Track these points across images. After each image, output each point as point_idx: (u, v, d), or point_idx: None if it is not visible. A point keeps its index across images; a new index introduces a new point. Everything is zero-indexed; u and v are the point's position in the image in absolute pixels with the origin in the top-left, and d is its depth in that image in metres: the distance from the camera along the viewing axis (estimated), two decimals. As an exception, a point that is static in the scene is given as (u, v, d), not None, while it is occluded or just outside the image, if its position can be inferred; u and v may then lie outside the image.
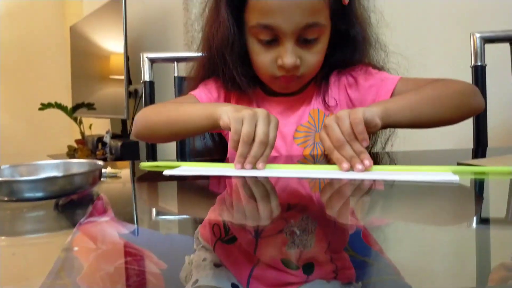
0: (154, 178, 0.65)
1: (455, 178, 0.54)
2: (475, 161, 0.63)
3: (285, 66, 0.78)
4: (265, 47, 0.79)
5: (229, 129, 0.64)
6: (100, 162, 0.51)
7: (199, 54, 0.91)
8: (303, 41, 0.78)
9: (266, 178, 0.60)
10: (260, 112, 0.62)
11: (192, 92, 0.89)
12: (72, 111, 3.39)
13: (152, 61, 1.13)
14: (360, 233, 0.38)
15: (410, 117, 0.71)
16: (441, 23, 1.41)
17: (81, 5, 3.92)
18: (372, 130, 0.65)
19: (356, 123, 0.60)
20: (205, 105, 0.75)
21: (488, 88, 1.04)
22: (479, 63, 1.04)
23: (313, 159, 0.79)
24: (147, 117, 0.82)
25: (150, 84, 1.12)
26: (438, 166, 0.60)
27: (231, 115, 0.64)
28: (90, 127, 3.56)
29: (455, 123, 0.78)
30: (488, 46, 1.05)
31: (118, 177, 0.61)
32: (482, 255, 0.34)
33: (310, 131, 0.89)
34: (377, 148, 0.92)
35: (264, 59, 0.80)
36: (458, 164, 0.63)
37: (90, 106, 3.15)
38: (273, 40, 0.78)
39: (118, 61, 2.69)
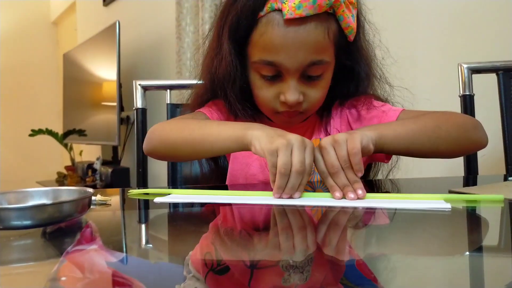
0: (145, 206, 0.64)
1: (447, 206, 0.54)
2: (466, 189, 0.64)
3: (287, 102, 0.76)
4: (267, 83, 0.77)
5: (260, 155, 0.63)
6: (90, 190, 0.50)
7: (195, 82, 0.90)
8: (306, 77, 0.76)
9: (260, 205, 0.59)
10: (294, 139, 0.61)
11: (202, 110, 0.87)
12: (63, 138, 3.37)
13: (145, 88, 1.13)
14: (354, 262, 0.38)
15: (404, 145, 0.71)
16: (429, 54, 1.44)
17: (75, 33, 3.96)
18: (363, 156, 0.64)
19: (354, 153, 0.60)
20: (233, 126, 0.70)
21: (476, 117, 1.05)
22: (467, 93, 1.06)
23: (312, 188, 0.78)
24: (165, 133, 0.77)
25: (143, 111, 1.12)
26: (430, 194, 0.60)
27: (264, 146, 0.61)
28: (80, 154, 3.54)
29: (454, 157, 0.78)
30: (475, 76, 1.07)
31: (108, 204, 0.60)
32: (476, 284, 0.34)
33: None
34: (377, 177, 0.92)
35: (267, 94, 0.78)
36: (450, 192, 0.63)
37: (81, 133, 3.15)
38: (276, 76, 0.76)
39: (110, 88, 2.71)
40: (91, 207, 0.58)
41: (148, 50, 2.81)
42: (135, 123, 1.12)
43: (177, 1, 2.30)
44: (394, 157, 0.86)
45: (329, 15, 0.73)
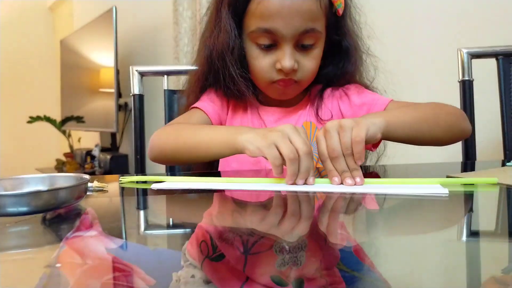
0: (142, 192, 0.64)
1: (444, 191, 0.54)
2: (464, 175, 0.63)
3: (283, 68, 0.80)
4: (264, 52, 0.82)
5: (257, 155, 0.63)
6: (86, 176, 0.50)
7: (193, 68, 0.92)
8: (300, 46, 0.81)
9: (257, 191, 0.59)
10: (286, 128, 0.61)
11: (197, 105, 0.89)
12: (61, 124, 3.36)
13: (142, 74, 1.12)
14: (351, 248, 0.38)
15: (408, 133, 0.73)
16: (429, 39, 1.43)
17: (71, 19, 3.92)
18: (371, 143, 0.66)
19: (357, 141, 0.60)
20: (223, 131, 0.72)
21: (476, 103, 1.05)
22: (466, 78, 1.05)
23: None
24: (163, 142, 0.81)
25: (140, 98, 1.11)
26: (427, 179, 0.60)
27: (259, 144, 0.62)
28: (79, 141, 3.53)
29: (446, 144, 0.80)
30: (475, 61, 1.06)
31: (105, 191, 0.60)
32: (472, 268, 0.34)
33: None
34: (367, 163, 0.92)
35: (263, 63, 0.82)
36: (448, 177, 0.63)
37: (79, 119, 3.14)
38: (272, 45, 0.80)
39: (108, 75, 2.69)
40: (88, 193, 0.58)
41: (146, 35, 2.78)
42: (132, 110, 1.11)
43: (174, -14, 2.28)
44: (381, 145, 0.87)
45: None
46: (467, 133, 0.83)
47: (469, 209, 0.53)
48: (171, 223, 0.50)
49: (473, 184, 0.59)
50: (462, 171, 0.83)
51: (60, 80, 3.53)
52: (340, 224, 0.45)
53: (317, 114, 0.90)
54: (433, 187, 0.57)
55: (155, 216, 0.53)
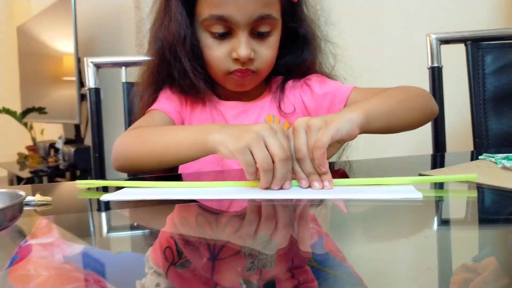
0: (92, 205, 0.58)
1: (418, 195, 0.51)
2: (437, 171, 0.61)
3: (240, 57, 0.76)
4: (218, 41, 0.78)
5: (230, 158, 0.59)
6: (22, 192, 0.44)
7: (148, 58, 0.86)
8: (256, 34, 0.78)
9: (219, 198, 0.55)
10: (262, 128, 0.56)
11: (156, 107, 0.84)
12: (22, 116, 3.21)
13: (98, 66, 1.05)
14: (322, 241, 0.38)
15: (386, 122, 0.70)
16: (396, 23, 1.40)
17: (29, 4, 3.73)
18: (347, 141, 0.63)
19: (316, 147, 0.56)
20: (192, 132, 0.67)
21: (445, 90, 1.03)
22: (435, 65, 1.03)
23: None
24: (128, 149, 0.75)
25: (96, 92, 1.04)
26: (399, 178, 0.57)
27: (232, 147, 0.57)
28: (42, 133, 3.39)
29: (418, 127, 0.79)
30: (444, 47, 1.04)
31: (49, 205, 0.54)
32: (443, 258, 0.35)
33: None
34: (332, 159, 0.89)
35: (218, 52, 0.78)
36: (420, 175, 0.60)
37: (41, 111, 3.00)
38: (226, 33, 0.77)
39: (69, 63, 2.57)
40: (29, 208, 0.52)
41: (107, 21, 2.66)
42: (88, 104, 1.04)
43: (135, -31, 2.18)
44: None
45: None
46: (435, 113, 0.83)
47: (442, 217, 0.50)
48: (133, 229, 0.47)
49: (444, 186, 0.57)
50: (432, 165, 0.81)
51: (18, 69, 3.36)
52: (311, 218, 0.44)
53: (279, 107, 0.86)
54: (406, 189, 0.54)
55: (114, 229, 0.48)
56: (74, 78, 2.43)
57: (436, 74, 1.03)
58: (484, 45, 1.03)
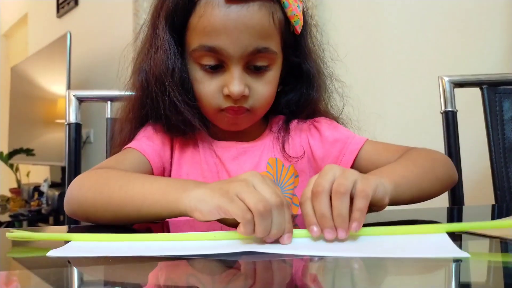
0: (33, 262, 0.46)
1: (464, 254, 0.40)
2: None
3: (231, 94, 0.67)
4: (209, 74, 0.69)
5: (213, 218, 0.48)
6: None
7: (129, 93, 0.76)
8: (252, 68, 0.69)
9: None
10: (249, 176, 0.48)
11: (132, 145, 0.72)
12: (8, 157, 3.10)
13: (80, 100, 0.96)
14: None
15: (412, 195, 0.61)
16: (403, 63, 1.35)
17: (26, 46, 3.72)
18: (374, 210, 0.53)
19: (362, 196, 0.46)
20: (164, 185, 0.56)
21: (460, 136, 0.94)
22: (449, 109, 0.95)
23: None
24: (82, 194, 0.62)
25: (76, 127, 0.94)
26: (428, 225, 0.48)
27: (218, 200, 0.47)
28: (27, 175, 3.27)
29: (438, 195, 0.69)
30: (458, 91, 0.96)
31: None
32: None
33: None
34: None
35: (208, 88, 0.69)
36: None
37: (29, 152, 2.90)
38: (218, 66, 0.68)
39: (61, 105, 2.50)
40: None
41: (104, 63, 2.62)
42: (66, 141, 0.94)
43: (134, 13, 2.17)
44: None
45: (274, 1, 0.68)
46: (455, 182, 0.74)
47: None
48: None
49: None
50: (448, 219, 0.70)
51: (9, 110, 3.29)
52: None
53: (283, 149, 0.76)
54: (443, 242, 0.44)
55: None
56: (63, 121, 2.35)
57: (450, 119, 0.94)
58: (501, 89, 0.95)
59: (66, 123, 0.94)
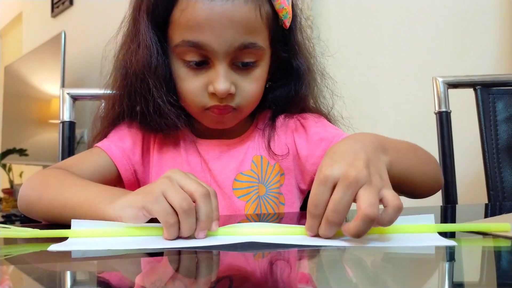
0: (32, 259, 0.46)
1: (451, 242, 0.41)
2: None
3: (217, 92, 0.64)
4: (193, 71, 0.66)
5: (138, 222, 0.49)
6: None
7: (109, 92, 0.74)
8: (238, 65, 0.66)
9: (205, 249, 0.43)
10: (172, 173, 0.49)
11: (100, 145, 0.71)
12: (1, 158, 3.07)
13: (74, 98, 0.95)
14: None
15: (402, 179, 0.59)
16: (401, 66, 1.35)
17: (20, 45, 3.70)
18: None
19: (397, 209, 0.44)
20: (93, 195, 0.56)
21: (454, 136, 0.95)
22: (443, 109, 0.95)
23: (258, 220, 0.63)
24: (29, 195, 0.63)
25: (70, 125, 0.94)
26: (420, 225, 0.48)
27: (141, 201, 0.47)
28: (20, 175, 3.25)
29: (426, 197, 0.69)
30: (451, 91, 0.97)
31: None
32: None
33: (253, 181, 0.73)
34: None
35: (192, 85, 0.66)
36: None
37: (22, 152, 2.88)
38: (203, 62, 0.65)
39: (55, 104, 2.49)
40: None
41: (98, 63, 2.61)
42: (60, 139, 0.93)
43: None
44: None
45: None
46: (441, 186, 0.73)
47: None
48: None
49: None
50: (442, 218, 0.71)
51: (2, 110, 3.27)
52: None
53: (268, 147, 0.74)
54: (432, 236, 0.45)
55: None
56: (57, 121, 2.34)
57: (444, 120, 0.95)
58: (494, 90, 0.96)
59: (60, 121, 0.94)
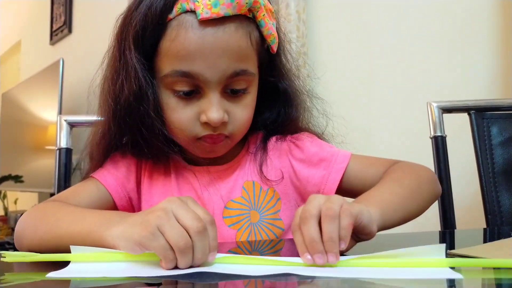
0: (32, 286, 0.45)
1: (457, 275, 0.40)
2: (469, 250, 0.50)
3: (211, 122, 0.63)
4: (183, 101, 0.64)
5: (138, 253, 0.48)
6: None
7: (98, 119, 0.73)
8: (229, 92, 0.65)
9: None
10: (168, 203, 0.47)
11: (95, 175, 0.71)
12: (-4, 184, 3.05)
13: (72, 125, 0.96)
14: None
15: (399, 219, 0.60)
16: (394, 91, 1.37)
17: (18, 73, 3.73)
18: (363, 238, 0.52)
19: (346, 215, 0.47)
20: (89, 223, 0.54)
21: (450, 161, 0.95)
22: (438, 134, 0.96)
23: (250, 248, 0.62)
24: (23, 230, 0.62)
25: (66, 152, 0.94)
26: (433, 259, 0.46)
27: (138, 236, 0.46)
28: (15, 202, 3.21)
29: (422, 213, 0.68)
30: (446, 116, 0.98)
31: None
32: None
33: (245, 209, 0.72)
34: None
35: (183, 115, 0.65)
36: (449, 255, 0.49)
37: (17, 179, 2.86)
38: (193, 91, 0.64)
39: (52, 131, 2.49)
40: None
41: (96, 91, 2.62)
42: (56, 166, 0.93)
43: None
44: None
45: (249, 20, 0.64)
46: (439, 196, 0.74)
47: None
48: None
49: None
50: (441, 242, 0.70)
51: (-1, 136, 3.26)
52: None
53: (260, 171, 0.73)
54: (442, 271, 0.43)
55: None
56: (53, 147, 2.34)
57: (440, 144, 0.95)
58: (488, 115, 0.97)
59: (56, 148, 0.94)
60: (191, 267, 0.45)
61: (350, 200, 0.58)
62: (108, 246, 0.49)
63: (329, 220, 0.45)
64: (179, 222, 0.45)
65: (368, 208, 0.52)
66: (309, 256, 0.45)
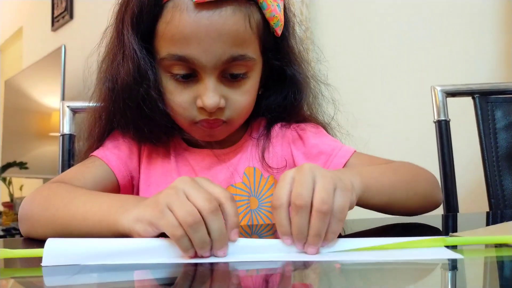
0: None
1: (458, 255, 0.41)
2: (469, 233, 0.50)
3: (205, 107, 0.62)
4: (181, 84, 0.63)
5: (152, 236, 0.46)
6: None
7: (94, 104, 0.73)
8: (228, 77, 0.63)
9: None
10: (180, 182, 0.46)
11: (97, 154, 0.69)
12: (1, 171, 3.07)
13: (74, 111, 0.96)
14: None
15: (384, 201, 0.59)
16: (400, 75, 1.36)
17: (20, 60, 3.72)
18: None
19: (341, 211, 0.45)
20: (104, 204, 0.53)
21: (453, 145, 0.95)
22: (442, 118, 0.95)
23: (250, 231, 0.62)
24: (32, 212, 0.59)
25: (70, 138, 0.94)
26: (427, 238, 0.46)
27: (149, 216, 0.45)
28: (20, 189, 3.24)
29: (417, 215, 0.67)
30: (450, 100, 0.97)
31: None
32: None
33: (245, 195, 0.71)
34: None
35: (180, 99, 0.64)
36: (451, 235, 0.49)
37: (22, 165, 2.87)
38: (190, 75, 0.63)
39: (56, 117, 2.50)
40: None
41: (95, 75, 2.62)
42: (60, 152, 0.94)
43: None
44: None
45: (250, 2, 0.62)
46: (439, 204, 0.70)
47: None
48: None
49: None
50: (444, 227, 0.70)
51: (2, 123, 3.28)
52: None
53: (262, 158, 0.71)
54: (440, 250, 0.44)
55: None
56: (57, 134, 2.35)
57: (443, 128, 0.95)
58: (492, 98, 0.96)
59: (60, 134, 0.94)
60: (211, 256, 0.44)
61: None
62: (123, 230, 0.48)
63: (321, 217, 0.44)
64: (189, 200, 0.44)
65: (351, 178, 0.51)
66: (289, 241, 0.45)
